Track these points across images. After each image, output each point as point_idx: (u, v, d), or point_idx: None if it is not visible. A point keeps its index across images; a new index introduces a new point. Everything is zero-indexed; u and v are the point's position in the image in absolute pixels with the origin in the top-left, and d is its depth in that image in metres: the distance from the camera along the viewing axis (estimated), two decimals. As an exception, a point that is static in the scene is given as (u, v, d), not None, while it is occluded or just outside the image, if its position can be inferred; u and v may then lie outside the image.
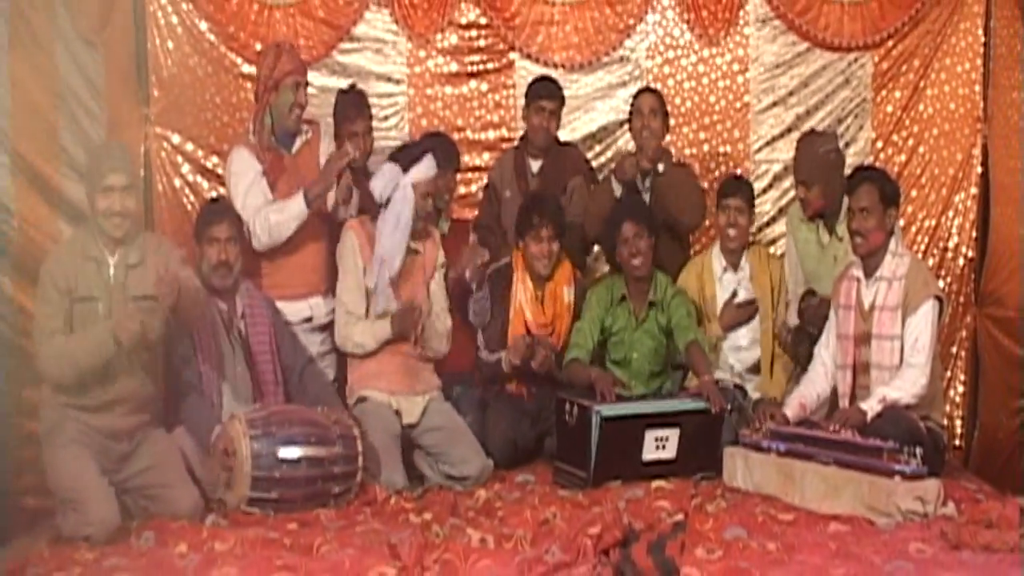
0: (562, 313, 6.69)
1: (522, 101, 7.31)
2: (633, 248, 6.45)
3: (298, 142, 6.52)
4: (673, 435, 6.03)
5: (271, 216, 6.26)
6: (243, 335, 6.07)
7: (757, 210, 7.52)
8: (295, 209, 6.26)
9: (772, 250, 7.38)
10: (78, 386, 5.27)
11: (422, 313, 6.21)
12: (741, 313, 6.75)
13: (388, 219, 6.20)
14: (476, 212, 7.40)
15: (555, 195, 6.80)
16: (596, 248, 7.38)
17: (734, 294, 6.76)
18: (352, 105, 6.88)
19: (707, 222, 7.25)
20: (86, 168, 5.48)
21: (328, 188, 6.35)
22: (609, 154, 7.74)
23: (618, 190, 6.81)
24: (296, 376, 6.21)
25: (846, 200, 6.05)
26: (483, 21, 7.75)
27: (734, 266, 6.80)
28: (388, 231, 6.19)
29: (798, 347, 6.56)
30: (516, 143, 7.28)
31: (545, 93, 7.04)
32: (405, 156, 6.33)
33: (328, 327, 6.55)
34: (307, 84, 6.52)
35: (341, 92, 6.98)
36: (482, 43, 7.79)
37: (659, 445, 6.02)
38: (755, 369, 6.76)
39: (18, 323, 5.62)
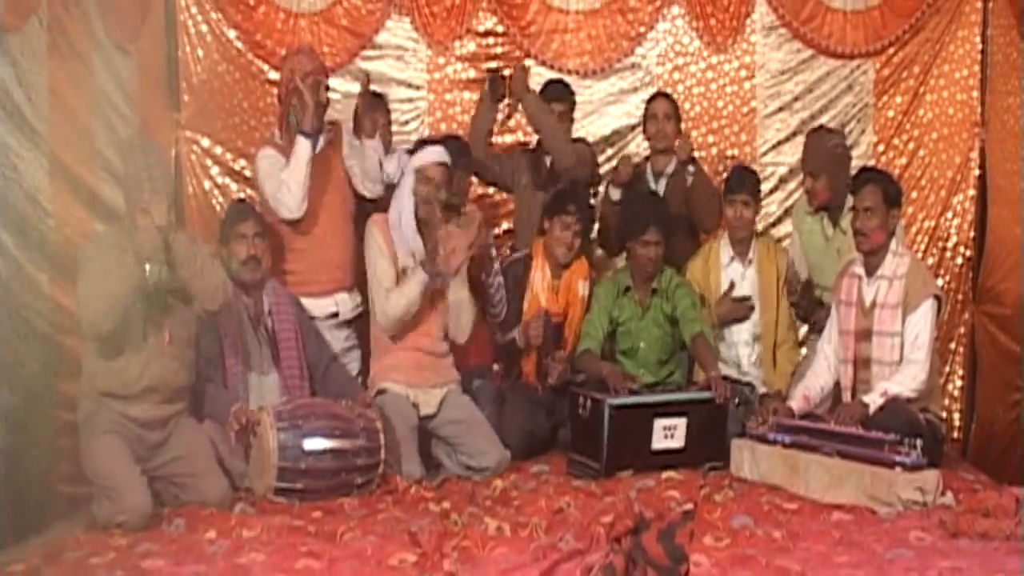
0: (575, 304, 6.72)
1: (537, 106, 7.35)
2: (652, 252, 6.48)
3: (321, 141, 6.52)
4: (680, 424, 6.05)
5: (283, 176, 6.28)
6: (270, 331, 6.10)
7: (764, 211, 7.56)
8: (300, 151, 6.26)
9: (778, 245, 7.38)
10: (118, 341, 5.23)
11: (452, 255, 6.16)
12: (737, 308, 6.73)
13: (393, 204, 6.28)
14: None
15: (586, 192, 6.81)
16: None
17: (732, 286, 6.75)
18: (372, 102, 6.89)
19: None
20: (124, 187, 5.43)
21: (311, 109, 6.29)
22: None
23: (616, 194, 6.84)
24: (320, 372, 6.23)
25: (850, 197, 6.06)
26: (500, 29, 7.77)
27: (741, 256, 6.80)
28: (394, 219, 6.24)
29: (805, 299, 6.66)
30: (535, 144, 7.28)
31: (555, 95, 7.05)
32: (416, 146, 6.40)
33: (353, 323, 6.59)
34: (327, 84, 6.52)
35: (360, 94, 6.98)
36: (499, 50, 7.81)
37: (667, 434, 6.04)
38: (761, 363, 6.78)
39: (55, 319, 5.64)
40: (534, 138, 7.44)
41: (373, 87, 7.12)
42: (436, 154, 6.28)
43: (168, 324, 5.36)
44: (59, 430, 5.61)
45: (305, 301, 6.38)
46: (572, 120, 7.13)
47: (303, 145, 6.26)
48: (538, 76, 7.61)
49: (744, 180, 6.80)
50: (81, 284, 5.22)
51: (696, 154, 7.61)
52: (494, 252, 6.62)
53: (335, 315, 6.52)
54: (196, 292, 5.39)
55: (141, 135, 6.67)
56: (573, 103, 7.10)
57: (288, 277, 6.45)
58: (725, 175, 7.11)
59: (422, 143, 6.46)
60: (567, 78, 7.47)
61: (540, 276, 6.70)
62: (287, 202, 6.28)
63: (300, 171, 6.26)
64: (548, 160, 7.04)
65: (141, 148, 5.59)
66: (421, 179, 6.19)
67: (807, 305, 6.63)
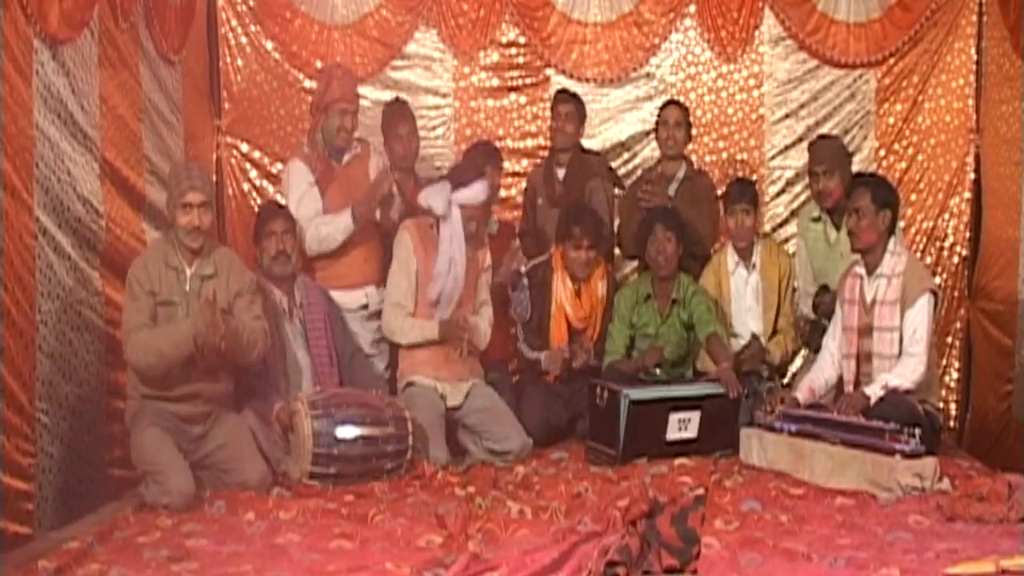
0: (597, 305, 6.70)
1: (558, 113, 7.39)
2: (660, 248, 6.46)
3: (348, 156, 6.58)
4: (694, 417, 6.06)
5: (321, 228, 6.37)
6: (302, 322, 6.14)
7: (771, 212, 7.58)
8: (342, 224, 6.37)
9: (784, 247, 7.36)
10: (161, 377, 5.34)
11: (468, 327, 6.26)
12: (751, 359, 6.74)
13: (443, 239, 6.21)
14: (520, 215, 7.44)
15: (578, 199, 6.80)
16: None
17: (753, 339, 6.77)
18: (397, 112, 6.92)
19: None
20: (168, 187, 5.56)
21: (373, 208, 6.42)
22: (637, 161, 7.76)
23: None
24: (345, 363, 6.26)
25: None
26: (522, 40, 7.78)
27: (745, 261, 6.80)
28: (445, 249, 6.20)
29: (812, 336, 6.61)
30: (549, 153, 7.30)
31: (560, 100, 7.08)
32: (458, 176, 6.32)
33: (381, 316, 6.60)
34: (355, 111, 6.56)
35: (387, 104, 7.02)
36: (521, 60, 7.83)
37: (682, 426, 6.05)
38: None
39: (107, 313, 5.69)
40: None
41: (398, 96, 7.16)
42: (481, 195, 6.28)
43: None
44: (110, 417, 5.67)
45: (337, 294, 6.44)
46: (579, 123, 7.07)
47: (346, 221, 6.36)
48: (558, 85, 7.67)
49: (742, 191, 6.82)
50: (128, 313, 5.34)
51: (707, 158, 7.66)
52: (523, 268, 6.65)
53: (365, 307, 6.57)
54: (236, 355, 5.47)
55: (183, 151, 6.78)
56: (577, 106, 7.03)
57: (320, 272, 6.52)
58: (724, 188, 7.10)
59: (464, 173, 6.34)
60: (585, 87, 7.52)
61: (562, 286, 6.67)
62: (312, 246, 6.43)
63: (333, 239, 6.41)
64: (560, 174, 7.06)
65: (184, 154, 5.73)
66: (466, 216, 6.22)
67: (831, 314, 6.59)
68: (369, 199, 6.39)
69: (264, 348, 5.61)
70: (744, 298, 6.78)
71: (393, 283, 6.34)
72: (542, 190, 7.11)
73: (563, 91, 7.24)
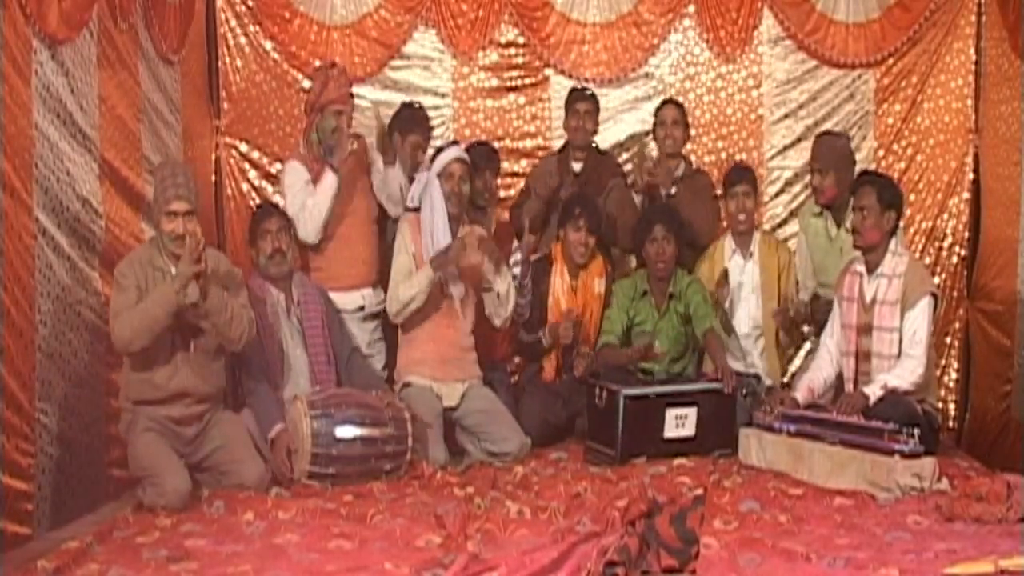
0: (592, 302, 6.71)
1: (556, 113, 7.43)
2: (660, 249, 6.47)
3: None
4: (691, 413, 6.07)
5: (308, 200, 6.36)
6: (299, 320, 6.14)
7: (770, 212, 7.57)
8: (326, 184, 6.34)
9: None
10: (148, 354, 5.31)
11: (463, 246, 6.22)
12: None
13: (424, 207, 6.31)
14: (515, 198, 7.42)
15: (594, 194, 6.82)
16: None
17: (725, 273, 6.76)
18: (412, 118, 6.93)
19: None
20: (153, 189, 5.56)
21: (344, 152, 6.36)
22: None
23: (638, 199, 6.84)
24: (343, 363, 6.26)
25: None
26: (521, 40, 7.77)
27: (743, 249, 6.81)
28: (427, 224, 6.28)
29: (810, 321, 6.63)
30: (559, 148, 7.29)
31: (579, 97, 7.10)
32: (435, 153, 6.44)
33: (379, 316, 6.62)
34: (351, 112, 6.57)
35: (404, 105, 7.01)
36: (520, 60, 7.81)
37: (679, 423, 6.06)
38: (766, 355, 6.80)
39: (105, 313, 5.67)
40: (553, 143, 7.47)
41: (412, 99, 7.16)
42: (453, 152, 6.37)
43: (194, 335, 5.46)
44: (109, 417, 5.66)
45: (334, 296, 6.44)
46: (596, 121, 7.13)
47: (330, 180, 6.34)
48: (557, 85, 7.69)
49: (742, 174, 6.86)
50: (115, 302, 5.32)
51: (706, 159, 7.66)
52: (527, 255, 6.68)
53: (362, 308, 6.59)
54: (223, 337, 5.49)
55: (182, 151, 6.80)
56: (595, 105, 7.11)
57: (317, 273, 6.53)
58: (721, 176, 7.11)
59: (439, 150, 6.49)
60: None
61: (560, 280, 6.70)
62: (307, 227, 6.39)
63: (324, 204, 6.35)
64: (577, 167, 7.07)
65: (170, 159, 5.71)
66: (445, 178, 6.27)
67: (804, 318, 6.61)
68: (341, 145, 6.36)
69: (250, 335, 5.59)
70: (740, 287, 6.77)
71: (395, 267, 6.37)
72: (555, 180, 7.06)
73: (578, 88, 7.26)
